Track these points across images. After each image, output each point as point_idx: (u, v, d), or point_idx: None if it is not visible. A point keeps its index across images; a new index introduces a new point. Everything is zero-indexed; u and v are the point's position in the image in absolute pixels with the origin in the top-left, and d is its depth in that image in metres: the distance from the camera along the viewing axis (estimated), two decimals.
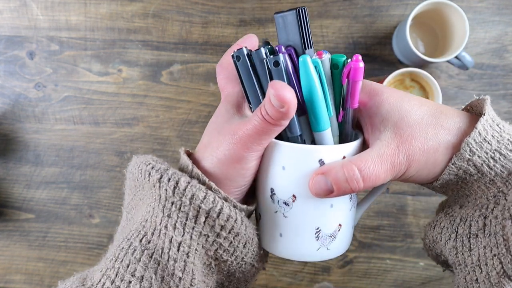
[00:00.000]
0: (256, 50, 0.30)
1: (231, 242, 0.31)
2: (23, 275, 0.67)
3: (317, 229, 0.32)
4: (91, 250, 0.65)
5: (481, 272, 0.28)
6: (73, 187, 0.64)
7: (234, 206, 0.30)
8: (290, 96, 0.27)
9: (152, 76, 0.61)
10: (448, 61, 0.54)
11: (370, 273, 0.62)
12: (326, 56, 0.30)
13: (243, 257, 0.32)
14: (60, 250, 0.66)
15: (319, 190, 0.29)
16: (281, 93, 0.27)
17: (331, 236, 0.32)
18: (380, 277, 0.62)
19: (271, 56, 0.29)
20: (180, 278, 0.29)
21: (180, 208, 0.29)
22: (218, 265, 0.32)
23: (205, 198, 0.29)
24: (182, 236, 0.29)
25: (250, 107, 0.31)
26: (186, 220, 0.29)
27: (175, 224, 0.29)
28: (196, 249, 0.30)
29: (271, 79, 0.29)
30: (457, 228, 0.30)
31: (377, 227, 0.62)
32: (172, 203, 0.29)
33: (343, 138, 0.33)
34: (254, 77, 0.30)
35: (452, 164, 0.28)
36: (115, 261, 0.29)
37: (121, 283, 0.28)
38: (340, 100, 0.31)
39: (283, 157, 0.31)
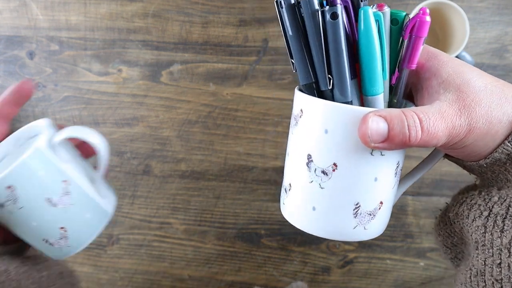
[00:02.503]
0: None
1: None
2: None
3: (357, 204, 0.28)
4: (91, 250, 0.65)
5: (509, 256, 0.26)
6: None
7: None
8: None
9: (152, 76, 0.61)
10: None
11: (370, 273, 0.62)
12: (387, 10, 0.27)
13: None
14: None
15: (374, 133, 0.25)
16: None
17: (370, 214, 0.29)
18: (380, 277, 0.62)
19: (328, 7, 0.25)
20: None
21: None
22: None
23: None
24: None
25: (292, 63, 0.29)
26: None
27: None
28: None
29: (325, 33, 0.26)
30: (492, 207, 0.28)
31: None
32: None
33: (392, 107, 0.30)
34: (300, 29, 0.27)
35: (509, 141, 0.26)
36: None
37: None
38: (397, 60, 0.28)
39: (328, 119, 0.27)
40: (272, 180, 0.62)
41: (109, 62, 0.62)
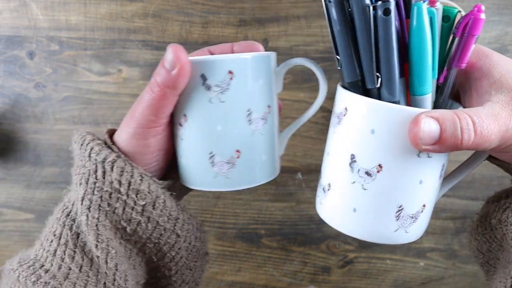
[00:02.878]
0: None
1: (135, 201, 0.30)
2: None
3: (400, 207, 0.28)
4: None
5: None
6: None
7: (131, 165, 0.30)
8: (184, 58, 0.28)
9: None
10: None
11: (370, 273, 0.62)
12: (439, 6, 0.26)
13: (157, 221, 0.31)
14: None
15: (426, 135, 0.25)
16: (178, 53, 0.28)
17: (412, 217, 0.28)
18: (380, 277, 0.62)
19: (380, 2, 0.25)
20: (84, 233, 0.30)
21: (84, 165, 0.30)
22: (135, 231, 0.31)
23: (100, 151, 0.30)
24: (85, 190, 0.30)
25: (337, 59, 0.28)
26: (89, 175, 0.30)
27: (81, 180, 0.30)
28: (100, 205, 0.30)
29: (375, 29, 0.26)
30: None
31: None
32: (81, 160, 0.31)
33: (437, 107, 0.29)
34: (348, 24, 0.27)
35: None
36: (47, 228, 0.32)
37: (46, 242, 0.31)
38: (445, 58, 0.28)
39: (376, 118, 0.27)
40: (272, 180, 0.62)
41: (109, 62, 0.62)
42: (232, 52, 0.37)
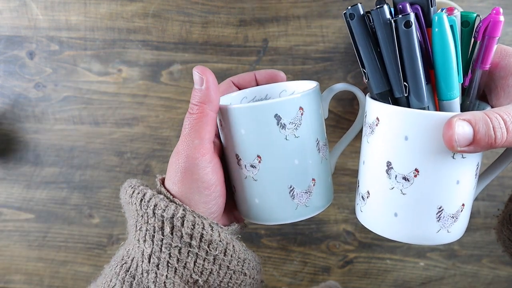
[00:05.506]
0: (377, 8, 0.27)
1: (207, 251, 0.30)
2: (23, 275, 0.67)
3: (440, 208, 0.29)
4: (91, 250, 0.65)
5: None
6: (73, 187, 0.64)
7: (199, 216, 0.30)
8: (209, 73, 0.30)
9: (152, 76, 0.61)
10: None
11: (370, 273, 0.62)
12: (457, 13, 0.27)
13: (228, 266, 0.31)
14: (60, 250, 0.66)
15: (460, 137, 0.25)
16: (202, 70, 0.29)
17: (453, 217, 0.29)
18: (380, 277, 0.62)
19: (400, 16, 0.26)
20: None
21: (147, 221, 0.30)
22: (206, 281, 0.31)
23: (166, 207, 0.29)
24: (152, 248, 0.29)
25: (364, 72, 0.29)
26: (154, 232, 0.29)
27: (144, 237, 0.30)
28: (168, 262, 0.29)
29: (398, 41, 0.27)
30: None
31: None
32: (142, 216, 0.30)
33: (465, 109, 0.30)
34: (371, 38, 0.28)
35: None
36: (103, 280, 0.31)
37: None
38: (469, 62, 0.29)
39: (407, 126, 0.28)
40: None
41: (109, 62, 0.62)
42: (256, 81, 0.38)
